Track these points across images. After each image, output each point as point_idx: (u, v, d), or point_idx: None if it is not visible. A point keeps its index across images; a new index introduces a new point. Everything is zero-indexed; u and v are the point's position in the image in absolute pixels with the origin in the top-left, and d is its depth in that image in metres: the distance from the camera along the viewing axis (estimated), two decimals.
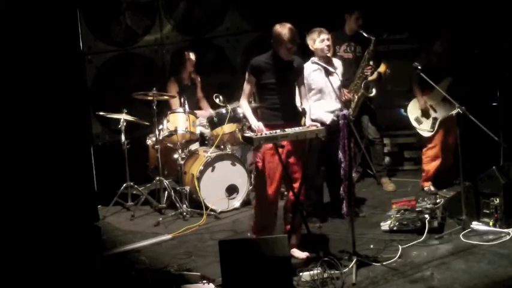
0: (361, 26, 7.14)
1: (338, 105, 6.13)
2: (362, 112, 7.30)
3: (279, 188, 5.80)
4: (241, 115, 7.15)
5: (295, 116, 5.71)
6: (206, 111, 7.84)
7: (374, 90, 7.15)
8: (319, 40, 6.17)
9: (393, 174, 7.90)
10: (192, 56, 7.78)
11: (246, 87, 5.74)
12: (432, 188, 7.14)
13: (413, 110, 7.24)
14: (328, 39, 6.20)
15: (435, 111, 7.11)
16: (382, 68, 7.21)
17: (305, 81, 6.08)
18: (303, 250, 5.73)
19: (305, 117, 5.69)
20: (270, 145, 5.51)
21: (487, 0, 7.47)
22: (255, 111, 5.87)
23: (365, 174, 7.85)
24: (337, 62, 6.41)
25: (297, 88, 5.80)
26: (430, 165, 7.20)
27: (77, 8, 6.16)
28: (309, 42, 6.22)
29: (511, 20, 7.22)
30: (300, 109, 5.76)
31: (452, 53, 7.03)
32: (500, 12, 7.32)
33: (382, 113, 7.91)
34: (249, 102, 5.87)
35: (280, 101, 5.65)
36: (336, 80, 5.97)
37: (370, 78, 7.11)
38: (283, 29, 5.56)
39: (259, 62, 5.68)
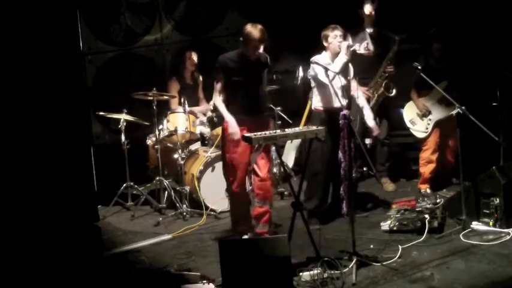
0: (374, 20, 7.14)
1: (341, 104, 6.17)
2: (381, 115, 7.31)
3: (243, 179, 6.01)
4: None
5: (259, 110, 5.99)
6: (203, 107, 7.83)
7: (394, 91, 7.17)
8: (332, 36, 6.21)
9: (394, 175, 7.88)
10: (193, 56, 7.78)
11: (217, 85, 5.97)
12: (428, 191, 7.12)
13: (408, 112, 7.24)
14: (340, 36, 6.21)
15: (430, 112, 7.11)
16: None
17: (310, 78, 6.21)
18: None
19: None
20: (233, 138, 5.79)
21: (486, 1, 7.46)
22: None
23: (365, 174, 7.84)
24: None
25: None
26: (426, 168, 7.18)
27: (77, 8, 6.17)
28: (323, 39, 6.26)
29: (510, 20, 7.22)
30: None
31: (450, 55, 7.02)
32: (500, 12, 7.32)
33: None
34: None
35: (245, 96, 5.89)
36: (339, 79, 6.07)
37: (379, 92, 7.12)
38: (254, 29, 5.77)
39: (225, 59, 5.94)
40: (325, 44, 6.27)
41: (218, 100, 5.95)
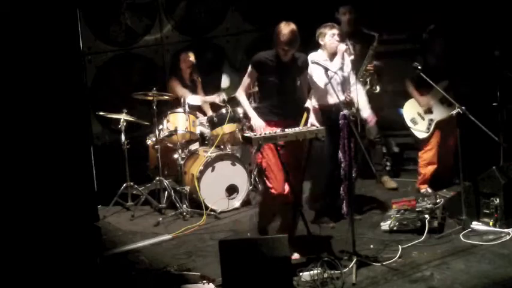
0: (353, 22, 7.11)
1: (339, 99, 6.16)
2: None
3: (283, 184, 5.59)
4: (241, 115, 7.18)
5: (293, 114, 5.68)
6: (210, 97, 7.83)
7: (378, 88, 7.14)
8: (329, 34, 6.17)
9: (393, 175, 7.89)
10: (189, 57, 7.76)
11: (246, 80, 5.71)
12: (429, 190, 7.10)
13: (409, 111, 7.18)
14: (338, 35, 6.18)
15: (431, 112, 7.07)
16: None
17: (308, 77, 6.11)
18: (295, 251, 5.63)
19: (308, 115, 5.70)
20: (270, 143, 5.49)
21: (486, 0, 7.47)
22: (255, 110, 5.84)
23: (365, 174, 7.84)
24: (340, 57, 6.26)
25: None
26: (426, 169, 7.13)
27: (77, 8, 6.16)
28: (320, 36, 6.22)
29: (510, 20, 7.22)
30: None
31: (450, 54, 7.02)
32: (500, 12, 7.32)
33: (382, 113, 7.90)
34: (249, 101, 5.91)
35: (279, 98, 5.62)
36: (338, 76, 6.05)
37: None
38: (285, 29, 5.46)
39: (261, 58, 5.64)
40: (321, 42, 6.21)
41: (242, 95, 5.69)
